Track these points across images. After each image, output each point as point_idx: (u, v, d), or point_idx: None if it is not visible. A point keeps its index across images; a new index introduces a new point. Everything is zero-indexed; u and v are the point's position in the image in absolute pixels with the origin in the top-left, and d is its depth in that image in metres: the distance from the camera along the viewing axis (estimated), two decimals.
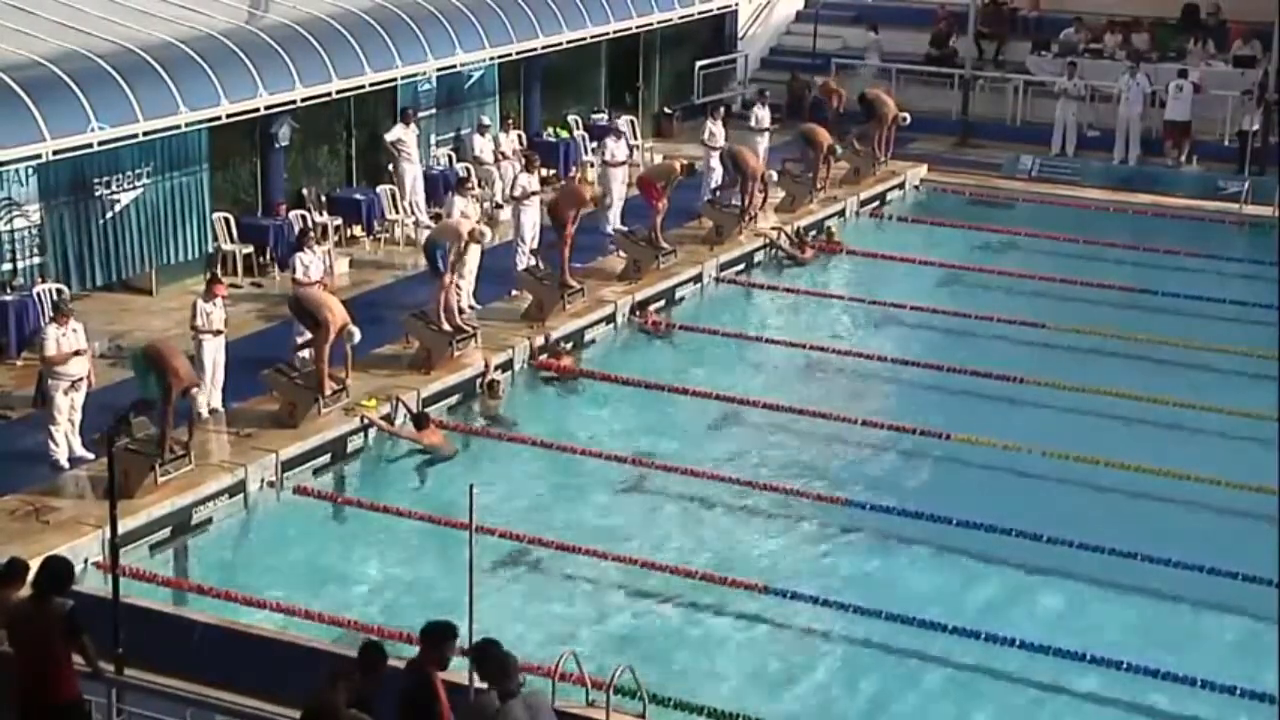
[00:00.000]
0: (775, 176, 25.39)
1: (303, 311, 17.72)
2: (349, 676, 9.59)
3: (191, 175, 20.52)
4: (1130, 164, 28.97)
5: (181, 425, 15.67)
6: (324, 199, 23.35)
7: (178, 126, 19.70)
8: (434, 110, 24.82)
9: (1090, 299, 22.88)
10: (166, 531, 15.23)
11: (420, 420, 17.57)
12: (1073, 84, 29.47)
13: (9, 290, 18.62)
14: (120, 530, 11.84)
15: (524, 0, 25.33)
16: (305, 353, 17.73)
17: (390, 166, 23.85)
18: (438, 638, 10.01)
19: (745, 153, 24.54)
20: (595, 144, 26.54)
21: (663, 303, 22.10)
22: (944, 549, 15.76)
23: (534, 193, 22.15)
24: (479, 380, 19.03)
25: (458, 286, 20.11)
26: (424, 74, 23.71)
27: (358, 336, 17.46)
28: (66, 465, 15.90)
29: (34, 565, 10.97)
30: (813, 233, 25.20)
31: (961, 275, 24.02)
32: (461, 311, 19.77)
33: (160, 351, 15.71)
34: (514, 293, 21.09)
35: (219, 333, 17.27)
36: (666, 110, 30.80)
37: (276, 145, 22.21)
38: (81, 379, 15.98)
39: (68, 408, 15.93)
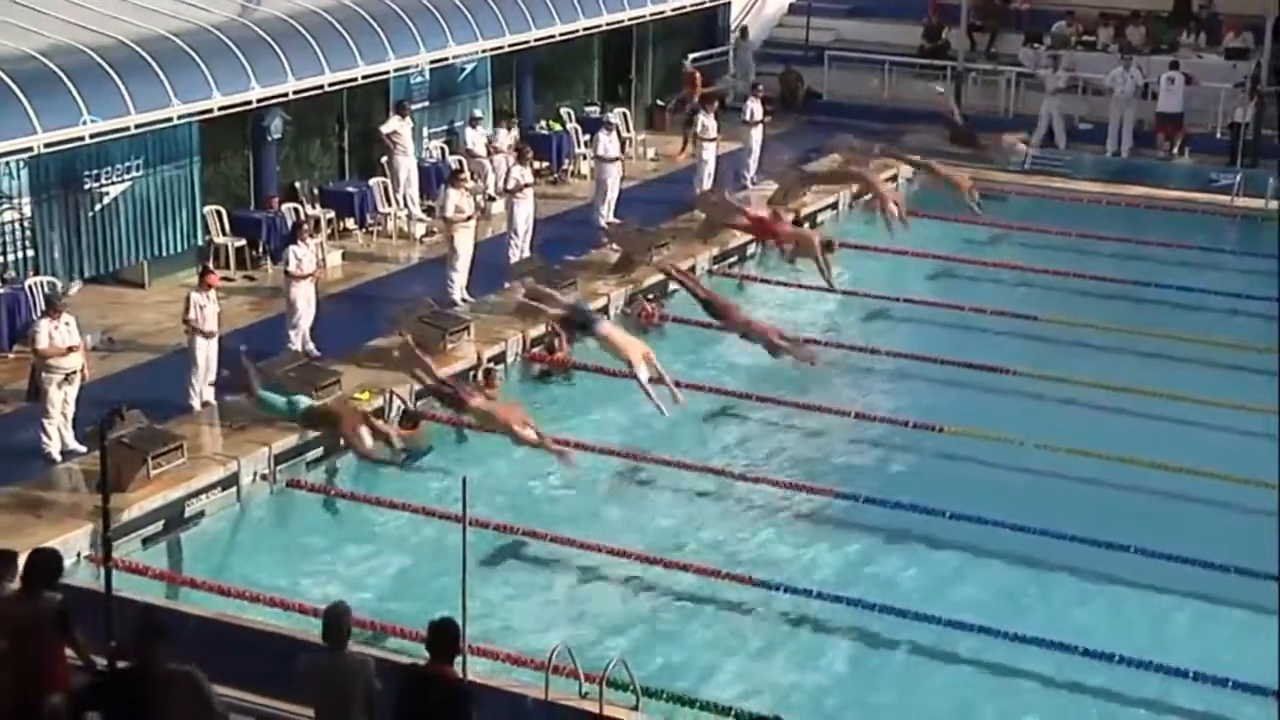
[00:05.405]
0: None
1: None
2: None
3: (183, 168, 20.48)
4: (1122, 156, 28.93)
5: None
6: (316, 192, 23.32)
7: (169, 119, 19.69)
8: (427, 103, 24.78)
9: (1082, 291, 22.88)
10: (159, 525, 15.21)
11: (412, 418, 17.53)
12: (1055, 76, 29.40)
13: (1, 284, 18.58)
14: (113, 524, 11.83)
15: None
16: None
17: (384, 159, 23.82)
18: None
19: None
20: (588, 137, 26.51)
21: (655, 295, 22.05)
22: (938, 542, 15.78)
23: (527, 185, 22.14)
24: (473, 372, 19.01)
25: (451, 280, 20.28)
26: (416, 67, 23.68)
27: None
28: (59, 458, 15.88)
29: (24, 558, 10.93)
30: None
31: (954, 268, 24.00)
32: (454, 304, 19.79)
33: (334, 412, 15.80)
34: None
35: (212, 331, 17.20)
36: (659, 103, 30.78)
37: (269, 138, 22.18)
38: (75, 372, 15.95)
39: (61, 401, 15.91)
